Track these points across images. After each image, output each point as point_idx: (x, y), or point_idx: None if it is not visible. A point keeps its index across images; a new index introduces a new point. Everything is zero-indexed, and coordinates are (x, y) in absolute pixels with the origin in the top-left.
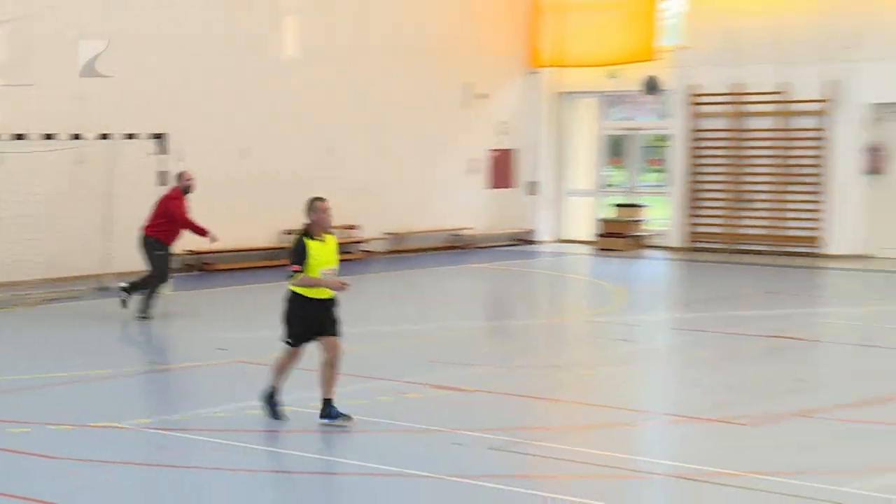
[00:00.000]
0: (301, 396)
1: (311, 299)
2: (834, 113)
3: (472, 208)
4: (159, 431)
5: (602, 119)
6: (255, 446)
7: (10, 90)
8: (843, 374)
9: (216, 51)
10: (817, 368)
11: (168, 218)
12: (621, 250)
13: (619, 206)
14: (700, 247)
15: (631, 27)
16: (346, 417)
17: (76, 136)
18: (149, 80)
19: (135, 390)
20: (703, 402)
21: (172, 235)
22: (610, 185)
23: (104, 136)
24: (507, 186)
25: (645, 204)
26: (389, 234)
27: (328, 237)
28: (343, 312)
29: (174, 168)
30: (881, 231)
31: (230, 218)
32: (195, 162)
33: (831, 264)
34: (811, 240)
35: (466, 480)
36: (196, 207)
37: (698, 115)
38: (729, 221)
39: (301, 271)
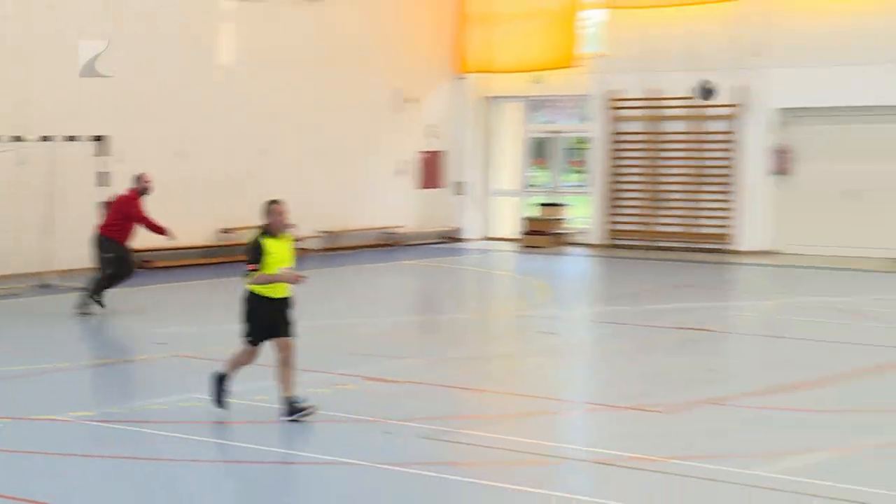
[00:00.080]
0: (242, 389)
1: (269, 299)
2: (743, 117)
3: (402, 208)
4: (101, 424)
5: (526, 122)
6: (193, 437)
7: None
8: (752, 364)
9: (156, 56)
10: (728, 359)
11: (124, 218)
12: (545, 247)
13: (542, 205)
14: (619, 244)
15: (553, 36)
16: (309, 411)
17: (17, 139)
18: (89, 84)
19: (76, 384)
20: (621, 392)
21: (127, 235)
22: (534, 186)
23: (45, 139)
24: (435, 187)
25: (567, 203)
26: (323, 232)
27: (284, 237)
28: None
29: (113, 170)
30: (787, 228)
31: (169, 217)
32: (135, 164)
33: (741, 260)
34: (722, 237)
35: (397, 468)
36: None
37: (617, 119)
38: (646, 219)
39: (258, 270)
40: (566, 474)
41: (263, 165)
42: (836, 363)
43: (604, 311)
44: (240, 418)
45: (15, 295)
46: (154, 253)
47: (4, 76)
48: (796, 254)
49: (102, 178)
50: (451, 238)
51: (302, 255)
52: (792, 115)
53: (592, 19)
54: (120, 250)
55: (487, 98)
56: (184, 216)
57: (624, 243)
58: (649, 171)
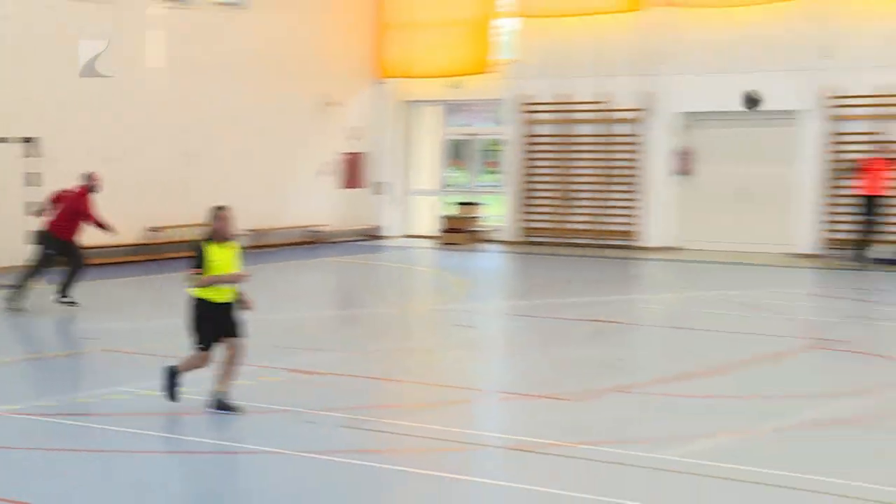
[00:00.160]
0: (156, 383)
1: (214, 303)
2: (648, 120)
3: (325, 207)
4: (29, 417)
5: (444, 125)
6: (122, 429)
7: None
8: (657, 354)
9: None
10: (635, 349)
11: (73, 215)
12: (462, 244)
13: (459, 204)
14: (532, 240)
15: (468, 43)
16: (237, 412)
17: None
18: (20, 86)
19: (3, 379)
20: (534, 381)
21: (74, 232)
22: (451, 185)
23: None
24: (357, 187)
25: (483, 202)
26: (250, 230)
27: (229, 244)
28: None
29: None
30: (689, 226)
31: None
32: (65, 164)
33: (646, 255)
34: (629, 233)
35: (322, 456)
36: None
37: (529, 122)
38: (557, 217)
39: (201, 274)
40: (482, 460)
41: (191, 166)
42: (735, 352)
43: (518, 305)
44: (167, 410)
45: None
46: (83, 251)
47: None
48: (698, 249)
49: (32, 179)
50: (372, 236)
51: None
52: (693, 118)
53: (506, 27)
54: (66, 247)
55: (407, 102)
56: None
57: (537, 240)
58: (560, 171)
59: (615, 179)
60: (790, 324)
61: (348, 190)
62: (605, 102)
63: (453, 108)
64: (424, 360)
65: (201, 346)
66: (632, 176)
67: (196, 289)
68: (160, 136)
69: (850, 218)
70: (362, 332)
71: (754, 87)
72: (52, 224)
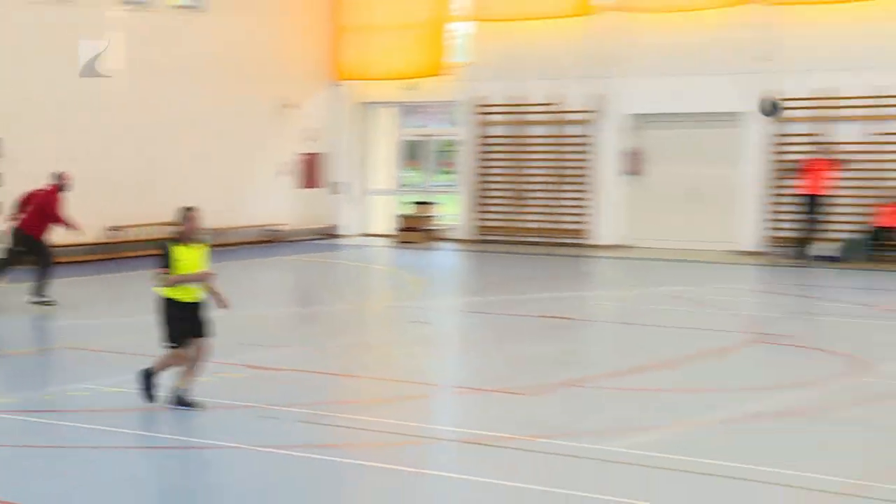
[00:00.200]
0: (119, 379)
1: (182, 303)
2: (599, 122)
3: (283, 206)
4: None
5: (400, 126)
6: (84, 425)
7: None
8: (608, 349)
9: (48, 63)
10: (586, 344)
11: (43, 214)
12: (418, 243)
13: (415, 203)
14: (486, 239)
15: (424, 46)
16: (197, 408)
17: None
18: None
19: None
20: (488, 376)
21: (43, 230)
22: (407, 185)
23: None
24: (315, 186)
25: (438, 202)
26: (210, 229)
27: (196, 244)
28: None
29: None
30: (638, 224)
31: None
32: (28, 165)
33: (597, 253)
34: (580, 232)
35: (281, 451)
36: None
37: (483, 124)
38: (510, 216)
39: (168, 274)
40: (439, 454)
41: (152, 166)
42: (683, 347)
43: (472, 302)
44: (131, 407)
45: None
46: (51, 249)
47: None
48: (647, 247)
49: None
50: (329, 235)
51: None
52: (643, 120)
53: (460, 31)
54: (36, 245)
55: (363, 104)
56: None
57: (490, 238)
58: (513, 171)
59: (567, 179)
60: (735, 319)
61: (306, 190)
62: (557, 104)
63: (409, 110)
64: (382, 356)
65: (171, 344)
66: (583, 176)
67: (163, 288)
68: (119, 137)
69: (792, 217)
70: (321, 328)
71: (770, 95)
72: (24, 222)
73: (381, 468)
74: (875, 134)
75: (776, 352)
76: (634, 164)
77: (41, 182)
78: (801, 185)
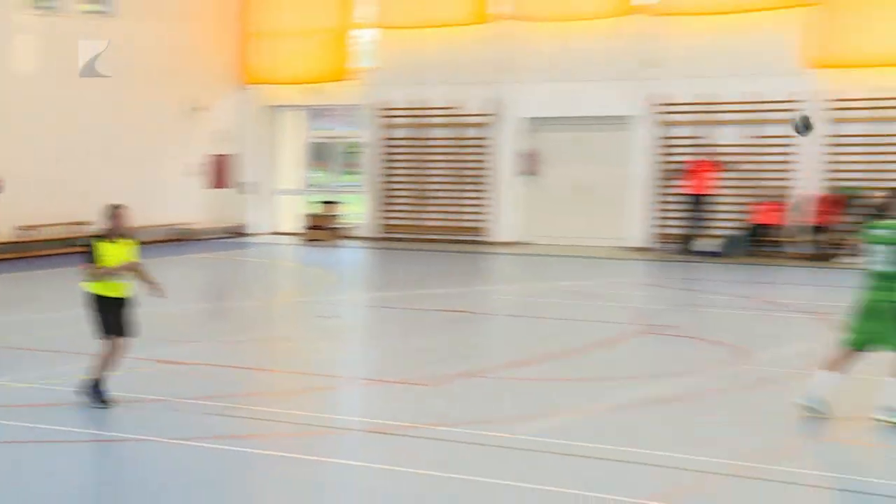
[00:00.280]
0: (32, 375)
1: (108, 298)
2: (497, 125)
3: (193, 206)
4: None
5: (307, 129)
6: None
7: None
8: (505, 341)
9: None
10: (485, 337)
11: None
12: (325, 241)
13: (322, 203)
14: (390, 237)
15: (329, 51)
16: (109, 403)
17: None
18: None
19: None
20: (392, 368)
21: None
22: (314, 185)
23: None
24: (224, 187)
25: (344, 201)
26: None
27: (123, 240)
28: (74, 296)
29: None
30: (535, 222)
31: None
32: None
33: (496, 250)
34: (479, 230)
35: (192, 443)
36: None
37: (387, 126)
38: (413, 215)
39: (94, 269)
40: (345, 443)
41: (63, 167)
42: (575, 338)
43: (377, 297)
44: (43, 402)
45: None
46: None
47: None
48: (542, 244)
49: None
50: (238, 233)
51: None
52: (538, 123)
53: (365, 37)
54: None
55: (272, 107)
56: None
57: (394, 236)
58: (416, 171)
59: (466, 179)
60: (624, 311)
61: (215, 190)
62: (456, 108)
63: (316, 113)
64: (290, 350)
65: (104, 335)
66: (482, 176)
67: (90, 283)
68: (30, 138)
69: (678, 214)
70: (230, 324)
71: (803, 113)
72: None
73: (290, 458)
74: (753, 137)
75: (662, 342)
76: (530, 164)
77: None
78: (686, 185)
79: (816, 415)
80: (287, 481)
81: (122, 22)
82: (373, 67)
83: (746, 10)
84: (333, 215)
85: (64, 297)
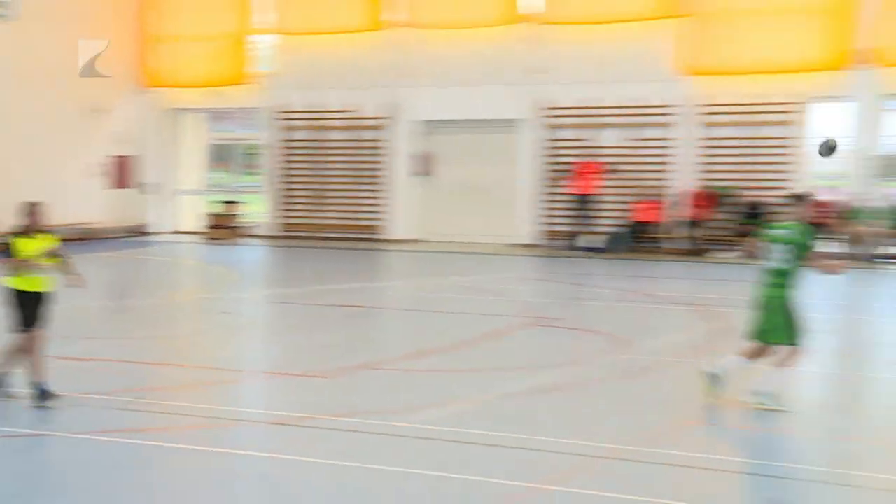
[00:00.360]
0: None
1: (25, 292)
2: (392, 128)
3: (95, 205)
4: None
5: (208, 131)
6: None
7: None
8: (401, 334)
9: None
10: (381, 330)
11: None
12: (225, 239)
13: (223, 202)
14: (290, 235)
15: (229, 56)
16: (56, 397)
17: None
18: None
19: None
20: (292, 361)
21: None
22: (215, 186)
23: None
24: (125, 187)
25: (244, 201)
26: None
27: (40, 236)
28: None
29: None
30: (429, 220)
31: None
32: None
33: (392, 247)
34: (376, 228)
35: (96, 436)
36: None
37: (286, 129)
38: (312, 214)
39: (12, 264)
40: (247, 434)
41: None
42: (467, 331)
43: (277, 293)
44: None
45: None
46: None
47: None
48: (437, 241)
49: None
50: (140, 232)
51: (4, 248)
52: (432, 126)
53: (264, 42)
54: None
55: (173, 109)
56: None
57: (294, 234)
58: (314, 172)
59: (363, 180)
60: (512, 305)
61: (117, 190)
62: (353, 111)
63: (216, 116)
64: (190, 344)
65: (23, 328)
66: (378, 176)
67: (9, 279)
68: None
69: (564, 213)
70: (133, 321)
71: (828, 137)
72: None
73: (194, 450)
74: (632, 139)
75: (549, 334)
76: (424, 165)
77: None
78: (572, 185)
79: (714, 385)
80: (192, 472)
81: (23, 24)
82: (271, 72)
83: (626, 20)
84: (234, 215)
85: None
